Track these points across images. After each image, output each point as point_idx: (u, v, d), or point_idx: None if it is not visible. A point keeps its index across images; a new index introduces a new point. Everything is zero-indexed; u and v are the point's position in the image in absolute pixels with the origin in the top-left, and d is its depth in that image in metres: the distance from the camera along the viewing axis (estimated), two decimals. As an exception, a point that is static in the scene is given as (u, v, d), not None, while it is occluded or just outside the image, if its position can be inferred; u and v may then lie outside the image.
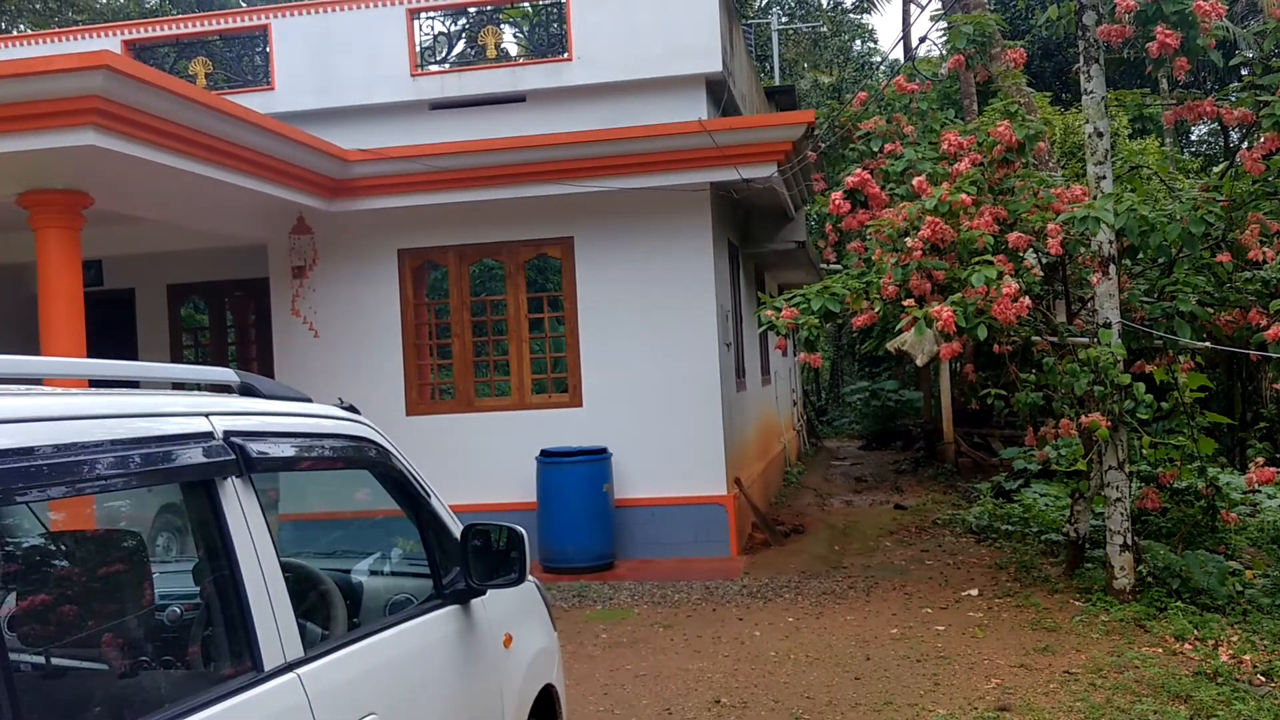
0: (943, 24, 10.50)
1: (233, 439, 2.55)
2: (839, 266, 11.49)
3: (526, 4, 11.98)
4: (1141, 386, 7.82)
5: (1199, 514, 8.81)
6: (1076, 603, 8.10)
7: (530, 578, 3.81)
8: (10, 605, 2.41)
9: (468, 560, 3.48)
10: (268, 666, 2.47)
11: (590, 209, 10.38)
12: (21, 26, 27.22)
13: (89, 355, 8.07)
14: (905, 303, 7.77)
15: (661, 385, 10.33)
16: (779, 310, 8.27)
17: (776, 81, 26.92)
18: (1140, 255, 8.50)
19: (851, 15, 35.71)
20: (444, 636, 3.41)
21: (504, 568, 3.55)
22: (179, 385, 3.05)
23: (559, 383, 10.82)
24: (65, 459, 2.07)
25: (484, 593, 3.58)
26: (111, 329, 11.95)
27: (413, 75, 11.26)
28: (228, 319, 13.55)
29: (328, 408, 3.23)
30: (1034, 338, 8.39)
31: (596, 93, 10.97)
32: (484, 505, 9.74)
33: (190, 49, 11.86)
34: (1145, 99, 9.32)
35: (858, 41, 36.41)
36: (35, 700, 2.32)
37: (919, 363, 8.16)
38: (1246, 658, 6.67)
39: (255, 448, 2.61)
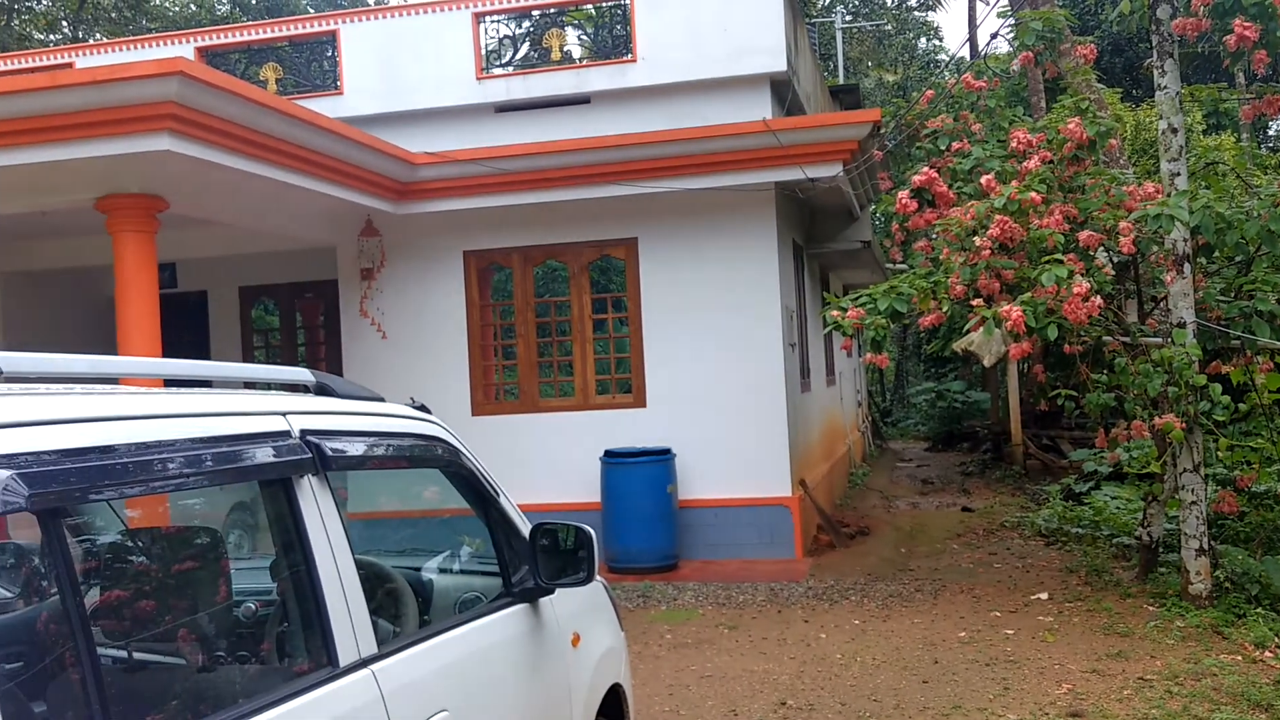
0: (1011, 21, 10.36)
1: (309, 438, 2.59)
2: (905, 266, 11.39)
3: (590, 6, 12.02)
4: (1218, 388, 7.66)
5: (1279, 518, 8.60)
6: (1150, 608, 7.94)
7: (598, 577, 3.82)
8: (94, 600, 2.46)
9: (536, 559, 3.49)
10: (343, 663, 2.50)
11: (654, 210, 10.38)
12: (98, 35, 27.88)
13: (164, 356, 8.23)
14: (973, 302, 7.68)
15: (726, 386, 10.31)
16: (844, 310, 8.20)
17: (840, 80, 26.73)
18: (1216, 253, 8.31)
19: (916, 13, 35.40)
20: (513, 635, 3.43)
21: (572, 567, 3.56)
22: (250, 384, 3.09)
23: (623, 383, 10.84)
24: (146, 457, 2.10)
25: (552, 592, 3.60)
26: (185, 330, 12.19)
27: (478, 78, 11.35)
28: (297, 320, 13.76)
29: (400, 407, 3.26)
30: (1105, 338, 8.25)
31: (661, 93, 10.99)
32: (548, 505, 9.78)
33: (261, 55, 12.08)
34: (1221, 94, 9.11)
35: (922, 39, 36.06)
36: (118, 693, 2.37)
37: (986, 363, 8.06)
38: (1329, 666, 6.50)
39: (331, 446, 2.64)
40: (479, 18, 11.44)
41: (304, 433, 2.59)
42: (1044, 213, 7.77)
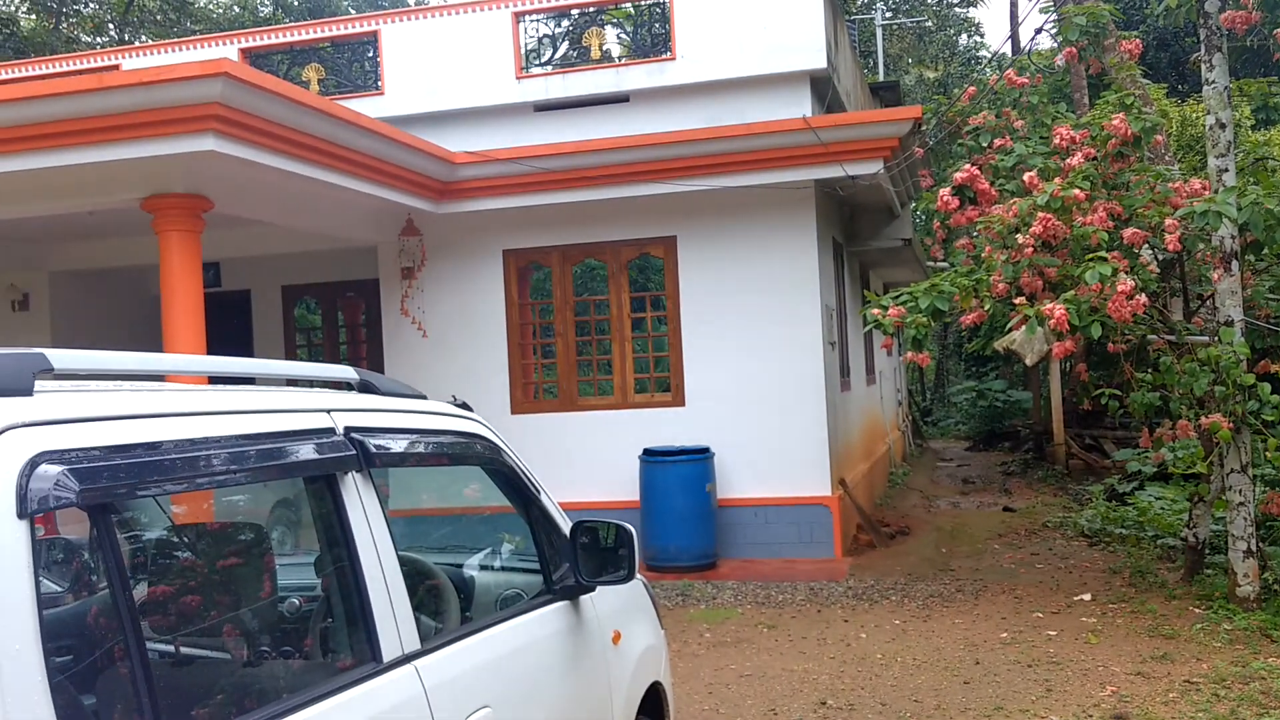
0: (1054, 16, 10.25)
1: (353, 435, 2.60)
2: (945, 264, 11.30)
3: (629, 5, 12.03)
4: (1267, 387, 7.54)
5: (1329, 520, 8.46)
6: (1196, 610, 7.83)
7: (638, 575, 3.83)
8: (142, 594, 2.49)
9: (577, 557, 3.50)
10: (386, 658, 2.51)
11: (693, 208, 10.37)
12: (143, 37, 28.24)
13: (209, 354, 8.32)
14: (1016, 301, 7.60)
15: (765, 385, 10.28)
16: (885, 309, 8.15)
17: (880, 77, 26.57)
18: (1265, 250, 8.18)
19: (957, 9, 35.07)
20: (554, 632, 3.44)
21: (613, 565, 3.56)
22: (292, 382, 3.12)
23: (661, 382, 10.84)
24: (194, 453, 2.12)
25: (593, 589, 3.60)
26: (229, 329, 12.32)
27: (518, 78, 11.39)
28: (339, 319, 13.87)
29: (442, 405, 3.28)
30: (1150, 336, 8.15)
31: (700, 91, 10.97)
32: (586, 503, 9.79)
33: (303, 56, 12.19)
34: (1271, 88, 8.97)
35: (963, 36, 35.75)
36: (165, 687, 2.39)
37: (1028, 362, 7.99)
38: (1381, 670, 6.39)
39: (374, 443, 2.66)
40: (519, 17, 11.47)
41: (348, 430, 2.61)
42: (1087, 210, 7.69)
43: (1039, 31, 18.41)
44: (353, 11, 30.97)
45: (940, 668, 6.87)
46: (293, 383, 3.13)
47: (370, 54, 12.01)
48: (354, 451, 2.57)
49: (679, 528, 9.89)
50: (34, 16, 28.24)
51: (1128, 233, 7.70)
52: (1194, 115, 15.94)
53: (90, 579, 2.74)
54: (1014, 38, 20.25)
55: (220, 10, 31.54)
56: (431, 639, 2.80)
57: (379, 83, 11.77)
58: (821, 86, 11.13)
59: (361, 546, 2.53)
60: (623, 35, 13.16)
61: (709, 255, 10.50)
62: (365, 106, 10.64)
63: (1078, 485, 14.66)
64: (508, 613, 3.32)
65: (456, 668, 2.79)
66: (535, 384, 11.15)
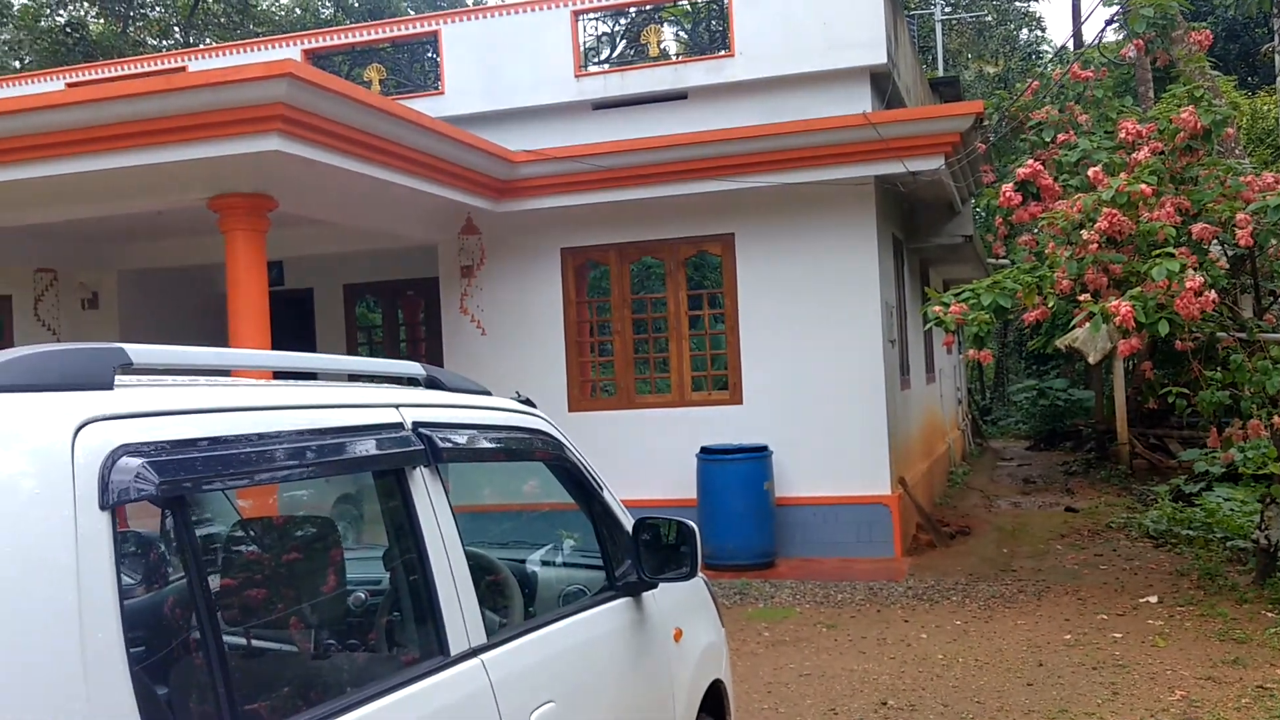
0: (1119, 8, 10.08)
1: (421, 429, 2.63)
2: (1007, 261, 11.15)
3: (687, 2, 12.02)
4: (1341, 386, 7.36)
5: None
6: (1268, 614, 7.66)
7: (699, 573, 3.82)
8: (214, 586, 2.53)
9: (639, 553, 3.50)
10: (453, 651, 2.53)
11: (751, 205, 10.33)
12: (208, 39, 28.71)
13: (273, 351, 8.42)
14: (1080, 298, 7.48)
15: (823, 383, 10.21)
16: (947, 306, 8.06)
17: (940, 73, 26.29)
18: (1340, 246, 7.99)
19: (1018, 3, 34.61)
20: (617, 628, 3.44)
21: (675, 562, 3.57)
22: (354, 377, 3.15)
23: (718, 380, 10.81)
24: (267, 447, 2.14)
25: (655, 586, 3.61)
26: (292, 326, 12.48)
27: (576, 76, 11.42)
28: (399, 317, 14.01)
29: (506, 401, 3.30)
30: (1219, 334, 7.98)
31: (758, 88, 10.93)
32: (644, 500, 9.76)
33: (364, 56, 12.31)
34: (1345, 80, 8.76)
35: (1024, 30, 35.26)
36: (237, 679, 2.43)
37: (1091, 360, 7.87)
38: None
39: (442, 438, 2.68)
40: (577, 15, 11.50)
41: (416, 425, 2.63)
42: (1154, 205, 7.54)
43: (1109, 23, 18.03)
44: (412, 12, 31.23)
45: (1003, 669, 6.79)
46: (355, 379, 3.16)
47: (430, 54, 12.12)
48: (422, 446, 2.59)
49: (736, 526, 9.85)
50: (102, 21, 28.83)
51: (1196, 228, 7.55)
52: (1265, 108, 15.60)
53: (164, 570, 2.79)
54: (1077, 31, 19.96)
55: (282, 12, 31.98)
56: (497, 633, 2.82)
57: (439, 82, 11.86)
58: (881, 82, 11.04)
59: (429, 540, 2.55)
60: (680, 33, 13.13)
61: (767, 252, 10.45)
62: (425, 106, 10.72)
63: (1142, 486, 14.40)
64: (571, 608, 3.33)
65: (522, 662, 2.80)
66: (592, 382, 11.17)
